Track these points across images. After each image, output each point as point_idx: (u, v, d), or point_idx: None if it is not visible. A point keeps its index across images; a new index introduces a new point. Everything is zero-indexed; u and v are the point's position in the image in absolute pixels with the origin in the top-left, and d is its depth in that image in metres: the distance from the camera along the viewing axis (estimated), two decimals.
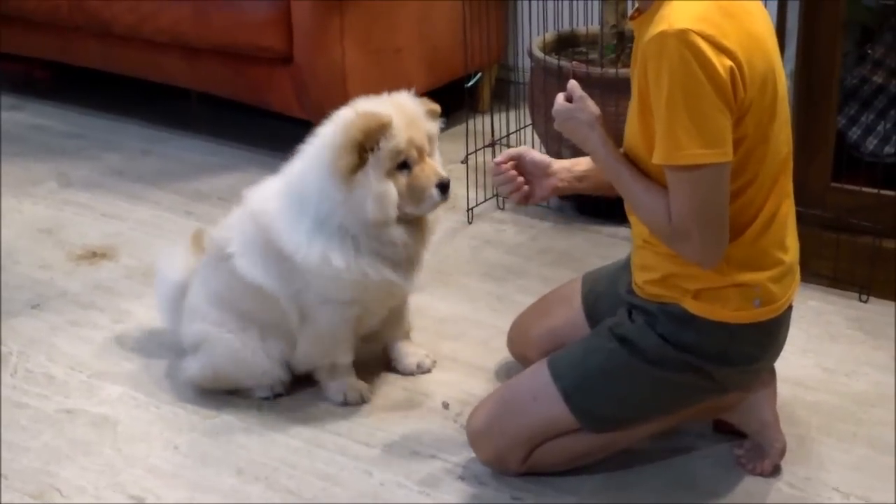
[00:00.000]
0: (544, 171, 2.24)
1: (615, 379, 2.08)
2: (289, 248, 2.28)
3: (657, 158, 1.90)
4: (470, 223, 3.31)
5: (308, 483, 2.22)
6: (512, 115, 3.57)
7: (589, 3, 3.43)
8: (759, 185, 1.97)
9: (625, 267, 2.25)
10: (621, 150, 2.06)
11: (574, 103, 2.06)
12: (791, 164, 2.06)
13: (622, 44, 3.22)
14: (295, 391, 2.49)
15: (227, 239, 2.40)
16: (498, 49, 3.91)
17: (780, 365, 2.22)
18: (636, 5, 2.02)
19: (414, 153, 2.25)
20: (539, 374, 2.15)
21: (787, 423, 2.25)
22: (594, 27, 3.44)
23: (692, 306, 2.02)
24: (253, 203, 2.38)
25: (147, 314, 2.79)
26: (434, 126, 2.33)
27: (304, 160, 2.31)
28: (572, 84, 2.08)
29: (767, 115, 1.94)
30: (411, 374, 2.56)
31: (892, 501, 2.13)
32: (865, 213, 2.73)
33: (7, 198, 3.51)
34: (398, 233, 2.27)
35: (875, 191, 2.73)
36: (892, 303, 2.76)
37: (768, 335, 2.08)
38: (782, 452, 2.19)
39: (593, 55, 3.34)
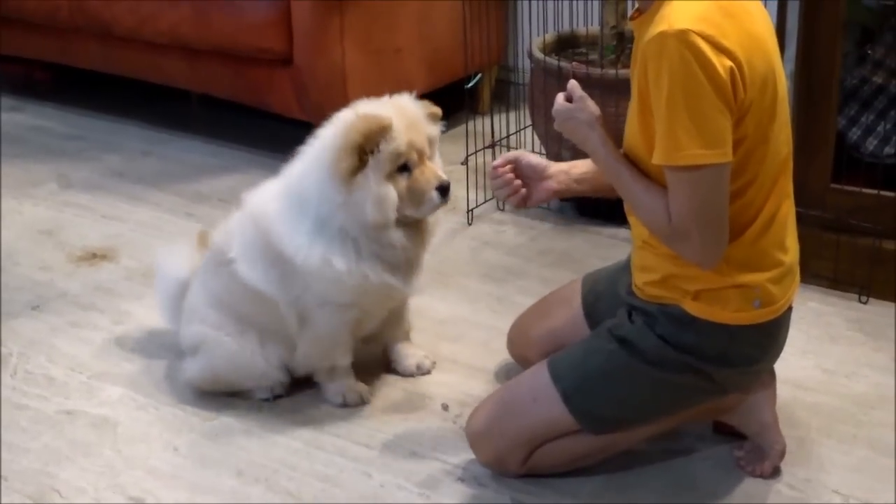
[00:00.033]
0: (541, 173, 2.25)
1: (615, 380, 2.08)
2: (289, 251, 2.28)
3: (657, 159, 1.90)
4: (470, 224, 3.31)
5: (308, 484, 2.22)
6: (512, 116, 3.57)
7: (589, 3, 3.43)
8: (758, 185, 1.97)
9: (625, 268, 2.25)
10: (621, 150, 2.06)
11: (574, 103, 2.06)
12: (791, 165, 2.06)
13: (622, 44, 3.22)
14: (294, 393, 2.49)
15: (227, 243, 2.39)
16: (498, 50, 3.91)
17: (779, 366, 2.22)
18: (636, 6, 2.02)
19: (414, 156, 2.25)
20: (539, 376, 2.15)
21: (787, 424, 2.25)
22: (594, 28, 3.44)
23: (692, 307, 2.02)
24: (253, 206, 2.37)
25: (147, 315, 2.79)
26: (434, 129, 2.33)
27: (304, 162, 2.31)
28: (572, 84, 2.08)
29: (767, 116, 1.94)
30: (411, 375, 2.56)
31: (893, 503, 2.13)
32: (865, 213, 2.73)
33: (7, 199, 3.51)
34: (398, 236, 2.27)
35: (875, 192, 2.73)
36: (892, 304, 2.76)
37: (768, 336, 2.08)
38: (782, 454, 2.19)
39: (593, 56, 3.33)
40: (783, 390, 2.29)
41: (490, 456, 2.18)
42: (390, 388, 2.53)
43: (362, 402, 2.46)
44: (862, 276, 2.77)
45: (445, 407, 2.45)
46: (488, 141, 3.51)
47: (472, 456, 2.22)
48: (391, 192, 2.22)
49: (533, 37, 3.40)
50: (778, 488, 2.17)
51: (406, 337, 2.60)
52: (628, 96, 2.04)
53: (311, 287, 2.30)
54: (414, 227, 2.32)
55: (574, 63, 3.22)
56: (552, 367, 2.14)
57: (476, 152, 3.47)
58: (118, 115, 4.19)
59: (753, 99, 1.89)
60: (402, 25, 3.63)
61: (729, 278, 1.99)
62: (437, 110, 2.35)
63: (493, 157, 3.17)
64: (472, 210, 3.32)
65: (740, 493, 2.15)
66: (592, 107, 2.06)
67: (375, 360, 2.59)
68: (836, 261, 2.77)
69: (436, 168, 2.30)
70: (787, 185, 2.05)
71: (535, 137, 3.40)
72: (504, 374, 2.53)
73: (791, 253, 2.07)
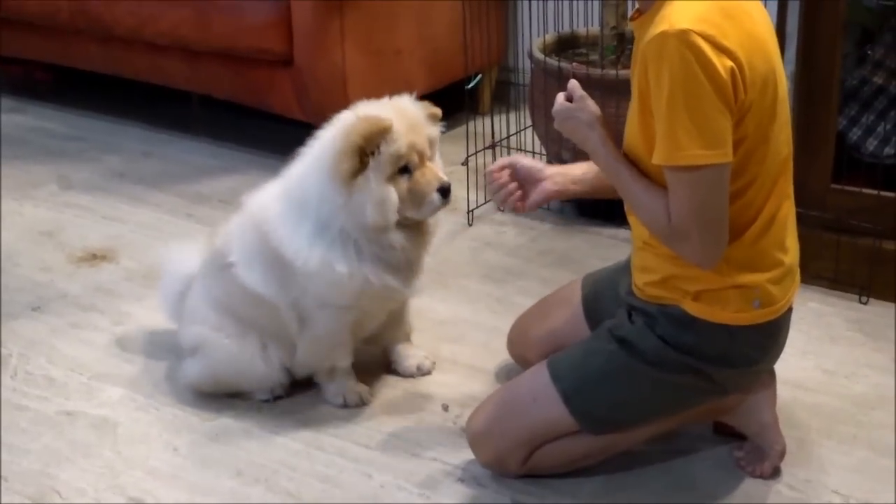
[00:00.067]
0: (537, 176, 2.25)
1: (615, 381, 2.08)
2: (289, 254, 2.27)
3: (657, 159, 1.90)
4: (470, 225, 3.31)
5: (308, 485, 2.22)
6: (512, 116, 3.57)
7: (589, 4, 3.43)
8: (759, 186, 1.97)
9: (625, 268, 2.25)
10: (621, 150, 2.06)
11: (574, 103, 2.06)
12: (791, 166, 2.06)
13: (622, 45, 3.22)
14: (295, 393, 2.49)
15: (227, 247, 2.39)
16: (498, 51, 3.91)
17: (779, 367, 2.22)
18: (636, 6, 2.02)
19: (415, 157, 2.25)
20: (539, 376, 2.15)
21: (787, 425, 2.25)
22: (594, 28, 3.44)
23: (692, 308, 2.02)
24: (253, 209, 2.37)
25: (147, 316, 2.79)
26: (435, 130, 2.33)
27: (304, 164, 2.30)
28: (572, 84, 2.08)
29: (768, 116, 1.94)
30: (411, 376, 2.56)
31: (893, 503, 2.13)
32: (865, 214, 2.73)
33: (7, 200, 3.51)
34: (398, 237, 2.27)
35: (875, 192, 2.73)
36: (893, 304, 2.76)
37: (768, 337, 2.08)
38: (782, 454, 2.19)
39: (593, 56, 3.33)
40: (783, 391, 2.29)
41: (490, 456, 2.18)
42: (390, 389, 2.53)
43: (362, 402, 2.46)
44: (862, 277, 2.77)
45: (445, 407, 2.45)
46: (489, 142, 3.52)
47: (472, 456, 2.22)
48: (392, 194, 2.22)
49: (533, 37, 3.40)
50: (778, 489, 2.17)
51: (406, 338, 2.59)
52: (628, 97, 2.04)
53: (310, 289, 2.30)
54: (414, 229, 2.32)
55: (574, 63, 3.22)
56: (552, 368, 2.14)
57: (476, 153, 3.47)
58: (119, 116, 4.19)
59: (754, 99, 1.89)
60: (402, 26, 3.63)
61: (729, 279, 1.99)
62: (437, 111, 2.35)
63: (494, 158, 3.17)
64: (472, 211, 3.32)
65: (740, 494, 2.15)
66: (592, 107, 2.06)
67: (376, 360, 2.59)
68: (836, 261, 2.77)
69: (436, 169, 2.29)
70: (788, 186, 2.05)
71: (536, 138, 3.41)
72: (504, 375, 2.53)
73: (791, 253, 2.07)
